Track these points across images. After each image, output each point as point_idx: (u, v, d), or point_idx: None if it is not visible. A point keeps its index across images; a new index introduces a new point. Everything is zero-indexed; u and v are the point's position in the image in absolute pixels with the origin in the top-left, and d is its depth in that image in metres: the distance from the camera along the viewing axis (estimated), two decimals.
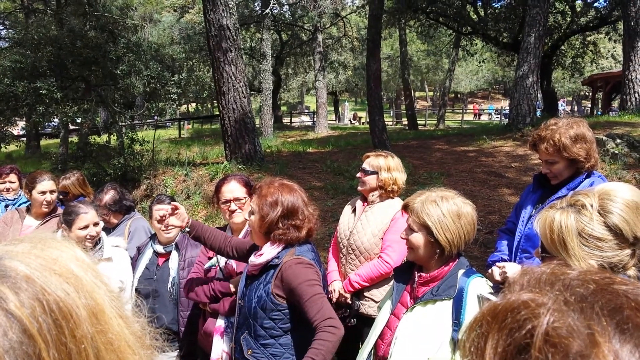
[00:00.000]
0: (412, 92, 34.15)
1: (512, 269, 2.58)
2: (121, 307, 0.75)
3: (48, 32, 12.04)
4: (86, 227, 3.35)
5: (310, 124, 32.84)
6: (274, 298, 2.53)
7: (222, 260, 3.31)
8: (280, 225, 2.59)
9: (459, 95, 61.17)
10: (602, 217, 1.74)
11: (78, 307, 0.65)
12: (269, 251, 2.62)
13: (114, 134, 12.50)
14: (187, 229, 2.99)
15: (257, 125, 17.05)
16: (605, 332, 0.54)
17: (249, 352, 2.57)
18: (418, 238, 2.30)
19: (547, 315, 0.58)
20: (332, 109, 40.74)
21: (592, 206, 1.75)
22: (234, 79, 10.67)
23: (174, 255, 3.60)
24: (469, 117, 43.62)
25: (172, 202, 3.12)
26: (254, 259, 2.65)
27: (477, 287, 2.18)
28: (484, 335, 0.64)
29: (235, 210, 3.28)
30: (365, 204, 3.77)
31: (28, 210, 4.46)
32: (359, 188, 3.78)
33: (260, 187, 2.71)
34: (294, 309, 2.55)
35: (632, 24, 15.98)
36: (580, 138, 2.78)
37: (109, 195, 4.24)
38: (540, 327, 0.58)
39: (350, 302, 3.58)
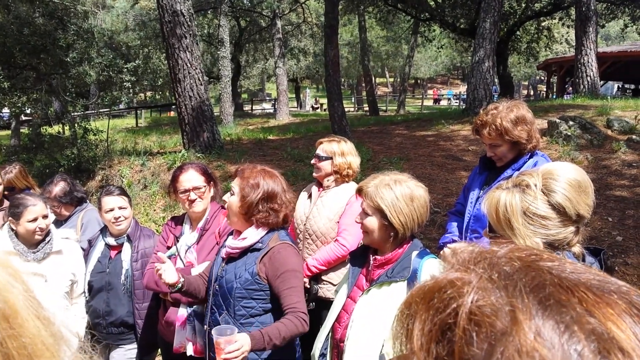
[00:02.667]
0: (373, 78, 34.28)
1: None
2: (39, 308, 0.70)
3: None
4: (35, 219, 3.23)
5: (271, 111, 32.64)
6: (258, 278, 2.59)
7: (182, 249, 3.26)
8: (261, 207, 2.65)
9: (418, 81, 61.78)
10: (545, 196, 1.78)
11: None
12: (252, 235, 2.67)
13: (67, 124, 12.10)
14: (180, 286, 2.80)
15: (217, 114, 16.83)
16: (526, 309, 0.53)
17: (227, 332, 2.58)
18: (372, 221, 2.30)
19: (472, 294, 0.57)
20: (294, 96, 40.57)
21: (536, 186, 1.78)
22: (189, 65, 10.45)
23: (127, 247, 3.52)
24: (428, 103, 44.15)
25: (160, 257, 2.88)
26: (236, 242, 2.69)
27: (431, 268, 2.20)
28: (412, 316, 0.63)
29: (196, 199, 3.23)
30: (321, 189, 3.77)
31: None
32: (314, 174, 3.78)
33: (243, 169, 2.78)
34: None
35: (584, 9, 16.38)
36: (520, 120, 2.84)
37: (58, 187, 4.10)
38: (464, 305, 0.56)
39: (308, 286, 3.59)
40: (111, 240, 3.52)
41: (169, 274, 2.76)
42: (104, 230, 3.61)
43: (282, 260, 2.59)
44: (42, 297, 0.74)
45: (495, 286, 0.57)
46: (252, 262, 2.64)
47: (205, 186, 3.25)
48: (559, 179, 1.80)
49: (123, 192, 3.60)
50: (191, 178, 3.24)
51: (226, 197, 2.79)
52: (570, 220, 1.78)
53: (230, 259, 2.74)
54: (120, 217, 3.46)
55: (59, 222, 4.10)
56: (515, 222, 1.76)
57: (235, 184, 2.73)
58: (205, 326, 2.81)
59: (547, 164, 2.12)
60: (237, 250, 2.69)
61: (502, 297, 0.55)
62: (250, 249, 2.68)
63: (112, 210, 3.45)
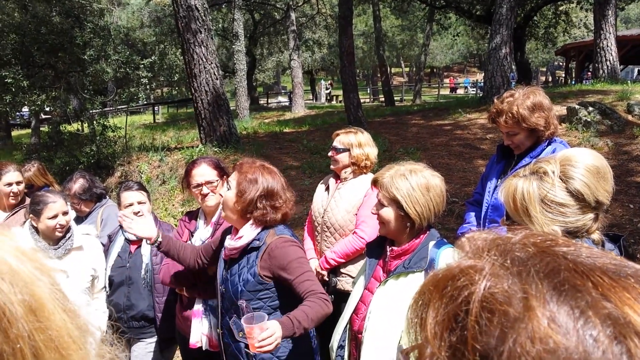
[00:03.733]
0: (388, 68, 34.09)
1: None
2: (65, 301, 0.71)
3: (11, 19, 11.70)
4: (55, 216, 3.27)
5: (287, 104, 32.64)
6: (261, 279, 2.52)
7: (197, 244, 3.28)
8: (259, 205, 2.57)
9: (434, 70, 61.24)
10: (563, 183, 1.75)
11: (12, 304, 0.61)
12: (248, 233, 2.58)
13: (85, 121, 12.26)
14: (156, 244, 2.92)
15: (233, 107, 16.87)
16: (540, 295, 0.53)
17: (240, 334, 2.52)
18: (388, 212, 2.29)
19: (484, 281, 0.57)
20: (309, 88, 40.50)
21: (553, 172, 1.75)
22: (204, 60, 10.49)
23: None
24: (445, 92, 43.74)
25: (136, 211, 3.01)
26: (233, 243, 2.61)
27: (448, 258, 2.18)
28: (426, 305, 0.63)
29: (208, 193, 3.22)
30: (338, 181, 3.76)
31: None
32: (332, 167, 3.76)
33: (241, 164, 2.68)
34: (282, 286, 2.55)
35: None
36: (537, 107, 2.79)
37: (78, 184, 4.15)
38: (476, 293, 0.56)
39: (327, 279, 3.59)
40: (131, 236, 3.56)
41: (141, 228, 2.83)
42: None
43: (283, 253, 2.51)
44: (66, 290, 0.75)
45: (508, 273, 0.57)
46: (253, 263, 2.57)
47: (218, 180, 3.23)
48: (577, 165, 1.77)
49: (141, 187, 3.64)
50: (204, 172, 3.24)
51: (222, 190, 2.71)
52: (589, 207, 1.75)
53: (231, 260, 2.68)
54: (139, 211, 3.49)
55: (79, 219, 4.16)
56: (532, 210, 1.74)
57: (232, 179, 2.65)
58: (218, 329, 2.77)
59: (565, 150, 2.09)
60: (236, 251, 2.62)
61: (515, 284, 0.55)
62: (249, 249, 2.60)
63: (131, 205, 3.49)
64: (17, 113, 16.09)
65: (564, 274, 0.54)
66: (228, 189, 2.64)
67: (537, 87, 2.93)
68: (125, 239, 3.59)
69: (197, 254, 2.97)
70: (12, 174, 4.21)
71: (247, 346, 2.51)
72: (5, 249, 0.67)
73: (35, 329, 0.62)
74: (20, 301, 0.62)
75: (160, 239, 2.90)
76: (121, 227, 3.67)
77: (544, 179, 1.77)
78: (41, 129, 18.00)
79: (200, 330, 3.13)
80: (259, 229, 2.60)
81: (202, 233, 3.31)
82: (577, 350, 0.48)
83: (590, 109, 9.33)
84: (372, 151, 3.68)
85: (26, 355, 0.60)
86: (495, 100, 2.95)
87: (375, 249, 2.50)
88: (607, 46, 16.07)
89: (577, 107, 9.48)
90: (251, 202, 2.55)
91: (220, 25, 28.23)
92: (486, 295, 0.55)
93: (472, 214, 3.18)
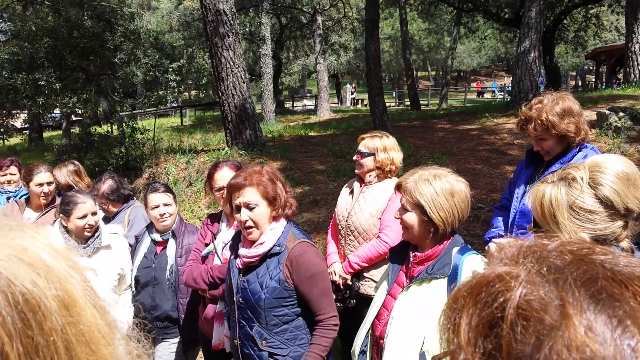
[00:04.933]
0: (414, 72, 33.89)
1: None
2: (96, 297, 0.73)
3: (45, 23, 12.00)
4: (84, 216, 3.35)
5: (312, 107, 32.71)
6: (287, 285, 2.52)
7: (220, 246, 3.30)
8: (289, 201, 2.65)
9: (461, 74, 60.71)
10: (592, 190, 1.72)
11: (47, 299, 0.63)
12: (270, 237, 2.57)
13: (115, 123, 12.49)
14: None
15: (259, 111, 16.99)
16: (577, 304, 0.52)
17: (264, 344, 2.53)
18: (412, 217, 2.28)
19: (520, 288, 0.57)
20: (334, 91, 40.51)
21: (582, 179, 1.72)
22: (232, 64, 10.60)
23: (172, 243, 3.61)
24: (472, 96, 43.30)
25: None
26: (253, 250, 2.57)
27: (472, 264, 2.16)
28: (459, 311, 0.63)
29: None
30: (363, 185, 3.75)
31: (28, 201, 4.47)
32: (357, 171, 3.75)
33: (247, 178, 2.57)
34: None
35: None
36: (567, 113, 2.74)
37: (106, 185, 4.23)
38: (512, 300, 0.56)
39: (350, 283, 3.59)
40: (157, 236, 3.62)
41: None
42: (150, 227, 3.70)
43: (307, 263, 2.50)
44: (98, 288, 0.77)
45: (544, 280, 0.56)
46: (276, 268, 2.53)
47: None
48: (607, 172, 1.74)
49: (168, 189, 3.69)
50: (226, 176, 3.24)
51: (244, 215, 2.55)
52: (619, 214, 1.72)
53: (249, 267, 2.63)
54: (165, 213, 3.54)
55: (107, 219, 4.23)
56: (560, 216, 1.71)
57: (252, 196, 2.53)
58: (235, 340, 2.71)
59: (594, 156, 2.05)
60: (257, 258, 2.58)
61: (551, 291, 0.55)
62: (269, 254, 2.57)
63: (157, 207, 3.54)
64: (49, 115, 16.47)
65: (601, 283, 0.54)
66: (253, 209, 2.54)
67: (566, 92, 2.88)
68: (152, 239, 3.65)
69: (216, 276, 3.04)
70: (44, 175, 4.31)
71: (270, 354, 2.53)
72: (41, 247, 0.69)
73: (68, 323, 0.65)
74: (54, 296, 0.64)
75: None
76: (147, 227, 3.74)
77: (572, 185, 1.74)
78: (72, 130, 18.39)
79: (222, 332, 3.14)
80: (279, 233, 2.60)
81: (225, 235, 3.32)
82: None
83: (621, 114, 9.13)
84: (397, 156, 3.67)
85: (59, 347, 0.62)
86: (523, 107, 2.91)
87: (399, 254, 2.49)
88: (639, 50, 15.72)
89: (607, 112, 9.29)
90: (283, 200, 2.61)
91: (247, 29, 28.46)
92: (522, 302, 0.55)
93: (500, 218, 3.13)
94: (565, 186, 1.74)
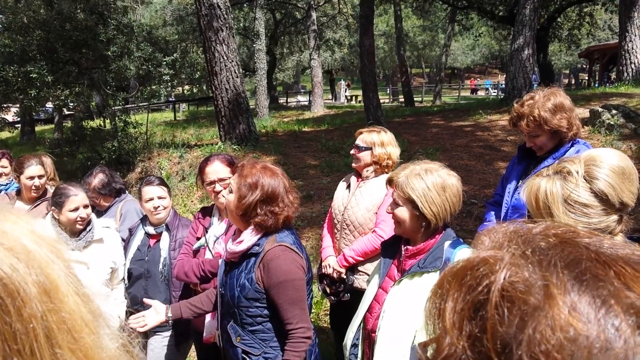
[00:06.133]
0: (409, 68, 33.85)
1: None
2: (79, 285, 0.71)
3: (37, 15, 11.89)
4: (76, 209, 3.33)
5: (306, 103, 32.65)
6: (257, 286, 2.45)
7: (211, 240, 3.29)
8: (259, 210, 2.46)
9: (455, 71, 60.79)
10: (587, 184, 1.72)
11: (27, 284, 0.62)
12: (248, 238, 2.50)
13: (107, 117, 12.43)
14: (169, 320, 2.85)
15: (253, 106, 16.94)
16: (561, 284, 0.52)
17: (238, 340, 2.52)
18: (403, 212, 2.28)
19: (504, 270, 0.57)
20: (328, 88, 40.48)
21: (578, 172, 1.73)
22: (225, 58, 10.56)
23: (165, 236, 3.59)
24: (466, 93, 43.38)
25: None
26: (233, 246, 2.54)
27: (464, 257, 2.16)
28: (444, 295, 0.63)
29: (221, 191, 3.21)
30: (360, 179, 3.76)
31: (19, 194, 4.44)
32: (354, 165, 3.75)
33: (242, 165, 2.56)
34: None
35: None
36: (559, 108, 2.75)
37: (97, 179, 4.20)
38: (496, 282, 0.56)
39: (344, 277, 3.59)
40: (150, 229, 3.60)
41: (150, 320, 2.74)
42: (144, 220, 3.69)
43: (276, 268, 2.40)
44: (86, 281, 0.76)
45: (529, 262, 0.57)
46: (251, 268, 2.49)
47: (230, 177, 3.16)
48: (602, 166, 1.74)
49: (162, 183, 3.67)
50: (217, 169, 3.23)
51: (225, 192, 2.60)
52: (613, 208, 1.72)
53: (232, 263, 2.61)
54: (159, 206, 3.53)
55: (99, 213, 4.21)
56: (555, 210, 1.71)
57: (233, 181, 2.53)
58: (217, 331, 2.74)
59: (589, 150, 2.06)
60: (236, 255, 2.54)
61: (535, 273, 0.55)
62: (249, 253, 2.52)
63: (151, 199, 3.53)
64: (41, 108, 16.36)
65: (585, 264, 0.54)
66: (230, 192, 2.55)
67: (558, 88, 2.89)
68: (145, 232, 3.64)
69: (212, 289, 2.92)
70: (34, 168, 4.29)
71: (244, 352, 2.52)
72: (22, 232, 0.68)
73: (49, 310, 0.63)
74: (34, 282, 0.63)
75: (170, 315, 2.82)
76: (141, 220, 3.73)
77: (567, 178, 1.74)
78: (64, 124, 18.27)
79: (213, 325, 3.13)
80: (259, 235, 2.50)
81: (217, 229, 3.32)
82: (598, 339, 0.48)
83: (614, 112, 9.18)
84: (394, 151, 3.68)
85: (38, 335, 0.61)
86: (515, 104, 2.92)
87: (391, 248, 2.49)
88: (632, 48, 15.81)
89: (600, 110, 9.34)
90: (249, 207, 2.45)
91: (241, 24, 28.37)
92: (506, 284, 0.55)
93: (493, 213, 3.15)
94: (561, 180, 1.75)
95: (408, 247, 2.35)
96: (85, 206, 3.40)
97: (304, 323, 2.41)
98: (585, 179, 1.73)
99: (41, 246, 0.68)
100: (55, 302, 0.64)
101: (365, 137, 3.69)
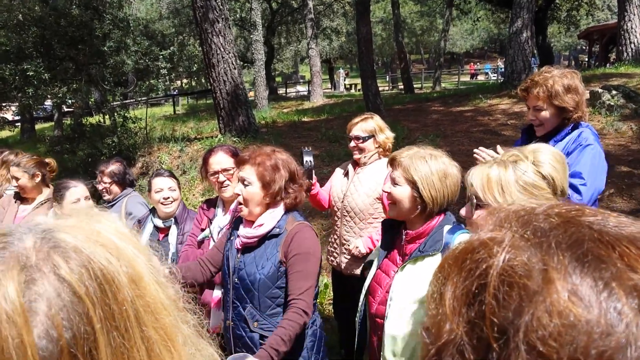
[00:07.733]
0: (407, 55, 33.68)
1: None
2: (158, 275, 0.83)
3: (32, 12, 11.83)
4: (77, 200, 3.37)
5: (305, 93, 32.57)
6: (281, 265, 2.49)
7: (215, 231, 3.29)
8: (290, 190, 2.55)
9: (454, 56, 60.53)
10: (536, 167, 1.86)
11: (119, 274, 0.73)
12: (269, 221, 2.54)
13: (107, 113, 12.41)
14: None
15: (252, 98, 16.90)
16: (561, 267, 0.51)
17: (255, 325, 2.52)
18: (402, 192, 2.27)
19: (503, 254, 0.56)
20: (327, 77, 40.34)
21: (527, 158, 1.87)
22: (222, 50, 10.52)
23: (173, 229, 3.54)
24: (465, 78, 43.22)
25: None
26: (252, 231, 2.55)
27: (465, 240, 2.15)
28: (444, 280, 0.62)
29: (224, 181, 3.22)
30: (357, 166, 3.75)
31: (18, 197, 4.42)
32: (356, 156, 3.70)
33: (254, 156, 2.56)
34: None
35: None
36: (572, 89, 2.79)
37: (114, 166, 4.21)
38: (495, 266, 0.55)
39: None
40: (159, 222, 3.55)
41: None
42: (153, 212, 3.63)
43: (303, 240, 2.47)
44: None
45: (529, 244, 0.55)
46: (274, 250, 2.51)
47: (234, 168, 3.17)
48: (546, 152, 1.92)
49: (172, 175, 3.66)
50: (221, 160, 3.24)
51: (238, 189, 2.57)
52: (556, 195, 1.86)
53: (246, 248, 2.60)
54: (169, 197, 3.48)
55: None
56: (507, 190, 1.81)
57: (248, 173, 2.53)
58: (227, 321, 2.67)
59: (530, 144, 2.16)
60: (256, 239, 2.55)
61: (535, 255, 0.53)
62: (269, 236, 2.54)
63: (161, 190, 3.48)
64: (41, 106, 16.34)
65: (587, 245, 0.52)
66: (247, 185, 2.54)
67: (576, 71, 2.91)
68: (154, 225, 3.60)
69: (201, 266, 2.84)
70: (13, 169, 4.26)
71: (261, 337, 2.51)
72: (110, 231, 0.80)
73: (137, 296, 0.75)
74: (124, 272, 0.75)
75: None
76: (150, 212, 3.70)
77: (518, 162, 1.87)
78: (64, 121, 18.26)
79: (219, 316, 3.13)
80: (281, 214, 2.56)
81: (221, 220, 3.32)
82: (599, 324, 0.47)
83: (614, 92, 9.14)
84: (391, 134, 3.73)
85: (130, 315, 0.73)
86: (529, 78, 2.96)
87: (389, 229, 2.49)
88: (632, 28, 15.71)
89: (600, 90, 9.29)
90: (281, 190, 2.52)
91: (237, 15, 28.19)
92: (505, 268, 0.54)
93: None
94: (512, 164, 1.87)
95: (408, 231, 2.34)
96: (87, 198, 3.41)
97: (307, 298, 2.42)
98: (533, 163, 1.87)
99: (127, 242, 0.80)
100: (140, 289, 0.76)
101: (363, 126, 3.67)
